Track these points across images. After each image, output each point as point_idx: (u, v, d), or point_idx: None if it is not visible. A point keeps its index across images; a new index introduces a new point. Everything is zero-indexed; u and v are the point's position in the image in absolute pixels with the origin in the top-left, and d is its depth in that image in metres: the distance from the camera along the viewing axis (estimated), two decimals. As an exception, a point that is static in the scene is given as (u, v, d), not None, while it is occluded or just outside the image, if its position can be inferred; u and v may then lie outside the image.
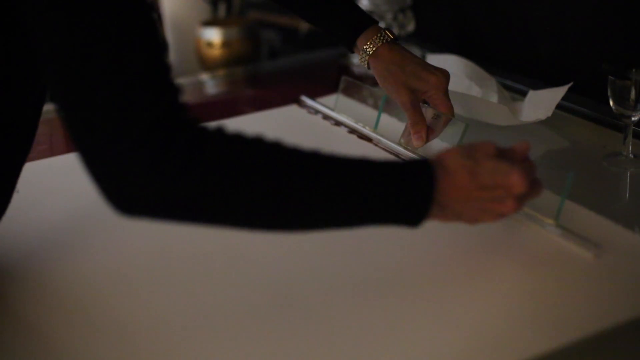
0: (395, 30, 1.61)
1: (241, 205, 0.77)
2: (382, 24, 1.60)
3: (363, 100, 1.40)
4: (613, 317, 0.83)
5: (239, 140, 0.77)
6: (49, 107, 1.47)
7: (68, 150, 1.27)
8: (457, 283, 0.90)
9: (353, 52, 1.18)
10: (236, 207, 0.77)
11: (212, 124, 0.78)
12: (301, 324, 0.84)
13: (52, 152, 1.30)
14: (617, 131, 1.18)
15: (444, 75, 1.13)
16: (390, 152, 1.20)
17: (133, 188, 0.74)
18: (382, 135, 1.24)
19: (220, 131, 0.77)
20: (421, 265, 0.93)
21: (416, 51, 1.60)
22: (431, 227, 0.86)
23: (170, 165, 0.73)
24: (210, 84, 1.75)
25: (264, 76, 1.78)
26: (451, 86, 1.32)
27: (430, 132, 1.14)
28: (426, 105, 1.15)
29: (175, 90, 0.77)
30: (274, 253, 0.96)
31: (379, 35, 1.15)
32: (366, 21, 1.16)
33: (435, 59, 1.42)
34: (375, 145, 1.24)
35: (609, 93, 1.11)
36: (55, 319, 0.87)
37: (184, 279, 0.93)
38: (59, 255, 0.97)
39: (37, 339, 0.84)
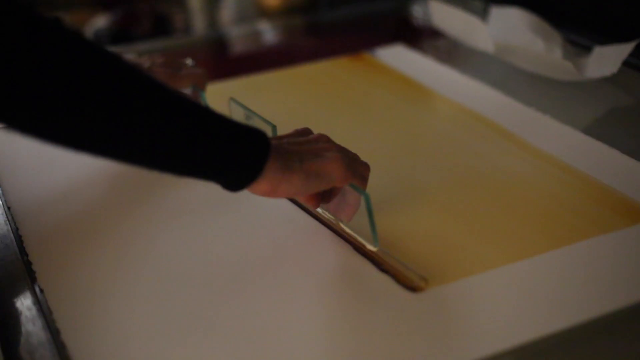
0: (459, -18, 1.58)
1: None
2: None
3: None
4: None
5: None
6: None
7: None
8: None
9: None
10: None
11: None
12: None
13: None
14: (685, 90, 1.16)
15: None
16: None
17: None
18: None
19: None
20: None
21: (479, 5, 1.57)
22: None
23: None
24: (270, 33, 1.73)
25: (323, 26, 1.77)
26: (515, 41, 1.31)
27: None
28: None
29: None
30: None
31: None
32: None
33: (500, 13, 1.40)
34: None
35: (679, 50, 1.08)
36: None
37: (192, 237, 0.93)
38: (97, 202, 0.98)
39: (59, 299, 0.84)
